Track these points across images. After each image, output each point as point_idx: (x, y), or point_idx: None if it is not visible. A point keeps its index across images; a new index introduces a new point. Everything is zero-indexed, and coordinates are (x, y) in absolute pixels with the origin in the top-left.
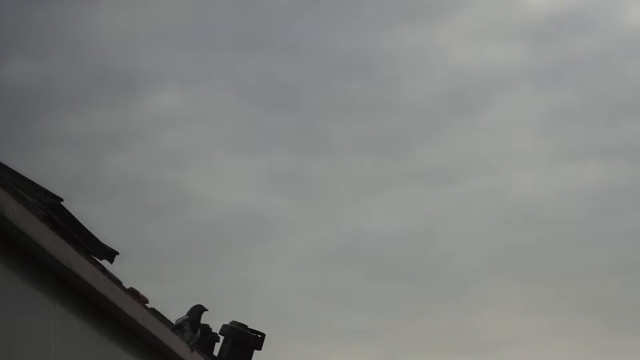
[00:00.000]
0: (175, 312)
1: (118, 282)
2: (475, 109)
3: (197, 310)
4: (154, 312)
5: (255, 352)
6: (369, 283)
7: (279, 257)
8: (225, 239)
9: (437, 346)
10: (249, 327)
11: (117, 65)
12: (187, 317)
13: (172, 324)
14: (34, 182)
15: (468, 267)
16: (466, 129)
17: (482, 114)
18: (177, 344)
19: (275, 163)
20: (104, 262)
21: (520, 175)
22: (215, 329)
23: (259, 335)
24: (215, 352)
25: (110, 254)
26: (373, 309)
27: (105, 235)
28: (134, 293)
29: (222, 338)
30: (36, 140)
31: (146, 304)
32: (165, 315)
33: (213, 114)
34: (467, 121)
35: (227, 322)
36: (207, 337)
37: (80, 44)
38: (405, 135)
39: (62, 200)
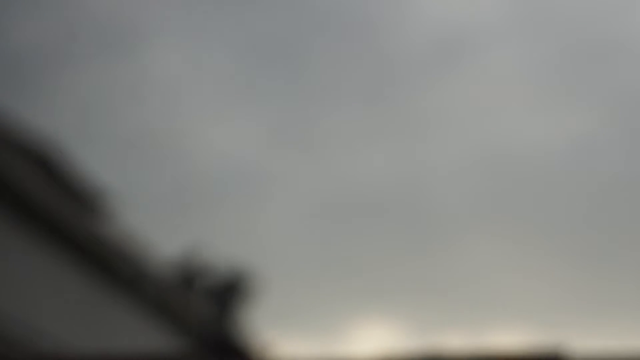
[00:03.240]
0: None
1: (110, 224)
2: (463, 58)
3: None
4: (147, 252)
5: (248, 290)
6: (362, 230)
7: (274, 208)
8: (224, 193)
9: (428, 286)
10: (243, 269)
11: (114, 22)
12: (186, 261)
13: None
14: (24, 130)
15: (457, 214)
16: (454, 79)
17: (470, 63)
18: (170, 286)
19: (268, 115)
20: (99, 209)
21: (509, 124)
22: (213, 273)
23: (252, 276)
24: (210, 294)
25: (102, 198)
26: (367, 250)
27: (104, 185)
28: (126, 234)
29: (217, 279)
30: (36, 94)
31: (139, 244)
32: (162, 257)
33: (211, 69)
34: (455, 71)
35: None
36: (203, 279)
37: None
38: (395, 86)
39: (55, 148)
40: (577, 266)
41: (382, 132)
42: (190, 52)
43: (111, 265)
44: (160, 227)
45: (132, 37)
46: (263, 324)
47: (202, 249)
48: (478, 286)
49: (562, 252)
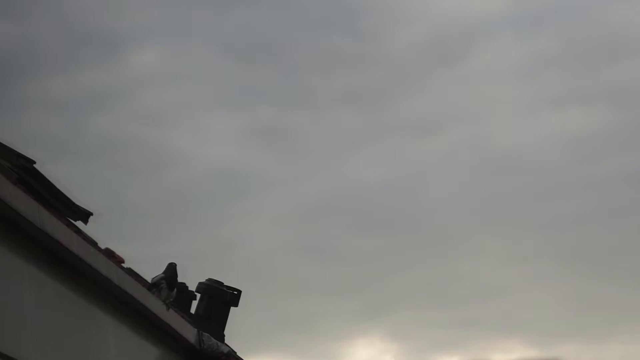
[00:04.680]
0: (154, 272)
1: (93, 243)
2: (456, 59)
3: (173, 268)
4: (130, 271)
5: (232, 308)
6: (350, 237)
7: (260, 213)
8: (206, 196)
9: (422, 299)
10: (226, 284)
11: (98, 25)
12: (163, 275)
13: (149, 283)
14: (5, 145)
15: (449, 218)
16: (447, 80)
17: (463, 64)
18: (153, 303)
19: (256, 118)
20: (79, 224)
21: (501, 124)
22: (193, 287)
23: (235, 292)
24: (192, 310)
25: (84, 215)
26: (357, 262)
27: (87, 196)
28: (109, 253)
29: (198, 296)
30: (17, 103)
31: (122, 264)
32: (144, 275)
33: (194, 71)
34: (448, 72)
35: (203, 280)
36: (183, 295)
37: (62, 4)
38: (386, 88)
39: (34, 162)
40: (580, 272)
41: (374, 133)
42: (177, 53)
43: (94, 281)
44: (147, 238)
45: (117, 40)
46: (254, 338)
47: (185, 263)
48: (477, 302)
49: (564, 257)
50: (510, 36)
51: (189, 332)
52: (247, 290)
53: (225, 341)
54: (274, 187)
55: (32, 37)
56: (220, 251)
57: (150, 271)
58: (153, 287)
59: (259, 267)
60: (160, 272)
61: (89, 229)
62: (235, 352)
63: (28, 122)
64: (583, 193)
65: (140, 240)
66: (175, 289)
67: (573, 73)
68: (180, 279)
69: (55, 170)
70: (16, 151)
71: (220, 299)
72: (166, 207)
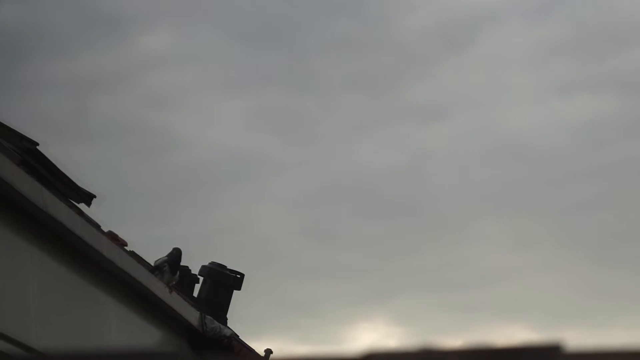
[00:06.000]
0: (157, 255)
1: (96, 225)
2: (464, 45)
3: (177, 252)
4: (132, 254)
5: (235, 292)
6: (358, 221)
7: (266, 197)
8: (211, 180)
9: (426, 283)
10: (230, 267)
11: (103, 7)
12: (166, 258)
13: (152, 266)
14: (8, 127)
15: (457, 203)
16: (455, 66)
17: (470, 49)
18: (155, 285)
19: (263, 102)
20: (82, 206)
21: (509, 111)
22: (196, 270)
23: (238, 276)
24: (195, 293)
25: (88, 198)
26: (362, 246)
27: (90, 178)
28: (112, 236)
29: (201, 279)
30: (21, 85)
31: (125, 247)
32: (146, 258)
33: (201, 53)
34: (456, 57)
35: (206, 263)
36: (186, 278)
37: None
38: (394, 73)
39: (37, 144)
40: (584, 259)
41: (382, 118)
42: (183, 35)
43: (96, 263)
44: (151, 221)
45: (122, 22)
46: (256, 321)
47: (189, 248)
48: (482, 287)
49: (569, 244)
50: (518, 22)
51: (192, 315)
52: (250, 274)
53: (228, 324)
54: (280, 171)
55: (36, 18)
56: (224, 235)
57: (153, 254)
58: (156, 269)
59: (263, 251)
60: (164, 256)
61: (92, 211)
62: (238, 335)
63: (31, 104)
64: (590, 180)
65: (144, 223)
66: (178, 272)
67: (581, 60)
68: (183, 263)
69: (59, 153)
70: (19, 133)
71: (223, 282)
72: (170, 191)
